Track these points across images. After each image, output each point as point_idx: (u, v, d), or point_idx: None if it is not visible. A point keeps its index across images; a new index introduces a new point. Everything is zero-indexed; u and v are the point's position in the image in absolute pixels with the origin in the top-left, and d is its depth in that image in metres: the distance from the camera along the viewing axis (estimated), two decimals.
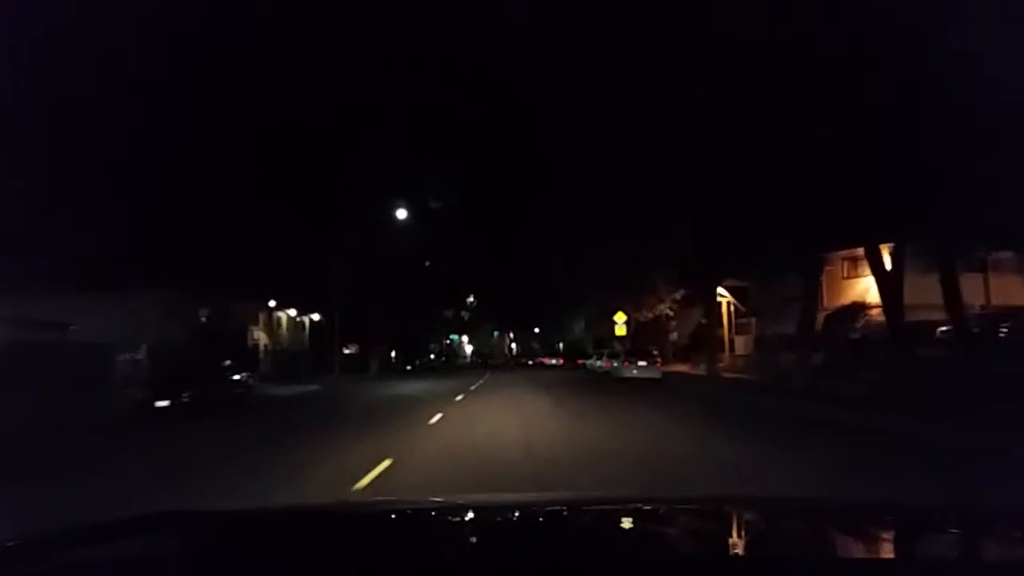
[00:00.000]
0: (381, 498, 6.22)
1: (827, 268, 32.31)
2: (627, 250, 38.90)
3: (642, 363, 30.95)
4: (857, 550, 1.88)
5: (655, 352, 32.61)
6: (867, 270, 24.05)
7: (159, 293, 39.42)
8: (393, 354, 70.75)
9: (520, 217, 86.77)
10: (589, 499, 3.34)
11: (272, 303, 46.32)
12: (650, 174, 26.79)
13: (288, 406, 21.93)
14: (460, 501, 2.55)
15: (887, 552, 1.88)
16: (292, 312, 53.96)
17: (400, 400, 22.20)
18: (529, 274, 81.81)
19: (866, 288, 28.24)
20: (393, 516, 2.31)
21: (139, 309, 37.99)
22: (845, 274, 31.83)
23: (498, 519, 2.26)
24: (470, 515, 2.25)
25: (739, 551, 1.83)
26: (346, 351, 58.20)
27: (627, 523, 2.19)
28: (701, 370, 37.07)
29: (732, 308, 40.07)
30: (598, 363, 44.24)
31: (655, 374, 30.05)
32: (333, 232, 41.59)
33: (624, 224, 38.31)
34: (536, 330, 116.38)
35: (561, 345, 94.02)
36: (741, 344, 38.00)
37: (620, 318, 38.99)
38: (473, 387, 28.76)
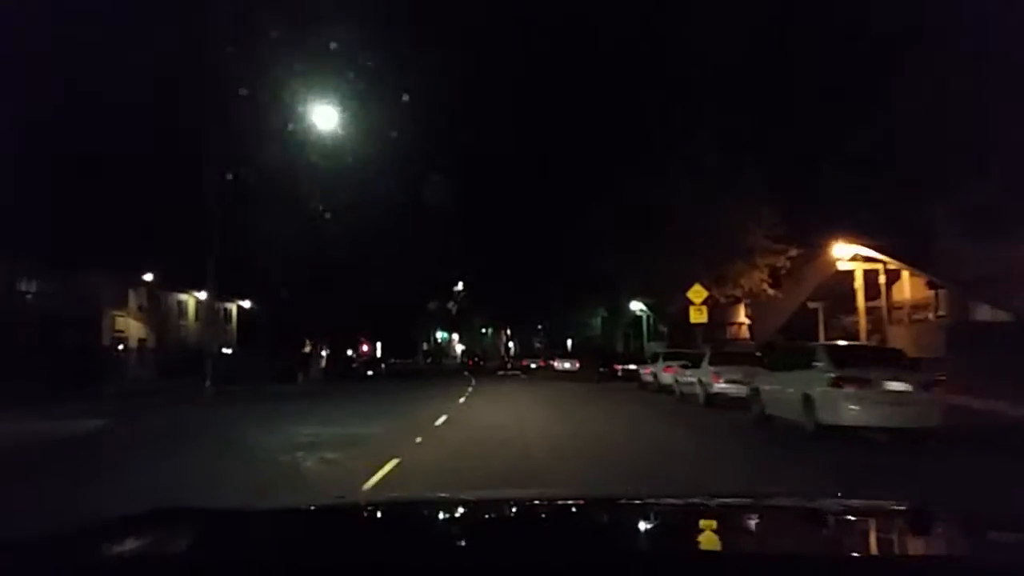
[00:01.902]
0: (386, 495, 6.09)
1: None
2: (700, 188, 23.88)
3: (897, 385, 10.78)
4: (857, 551, 1.86)
5: (904, 357, 12.30)
6: None
7: None
8: (379, 354, 61.67)
9: (521, 184, 72.64)
10: (593, 498, 3.14)
11: (148, 276, 30.67)
12: None
13: None
14: (465, 497, 2.89)
15: (888, 553, 1.81)
16: (201, 295, 38.34)
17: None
18: (533, 254, 67.36)
19: None
20: (396, 512, 2.34)
21: None
22: None
23: (500, 515, 2.27)
24: (473, 512, 2.30)
25: (737, 551, 1.80)
26: (323, 351, 48.55)
27: (630, 522, 2.21)
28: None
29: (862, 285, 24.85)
30: (687, 376, 20.43)
31: (927, 418, 10.64)
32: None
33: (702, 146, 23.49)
34: (539, 327, 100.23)
35: (569, 343, 78.41)
36: (905, 340, 22.48)
37: (698, 295, 23.08)
38: (387, 468, 8.83)
